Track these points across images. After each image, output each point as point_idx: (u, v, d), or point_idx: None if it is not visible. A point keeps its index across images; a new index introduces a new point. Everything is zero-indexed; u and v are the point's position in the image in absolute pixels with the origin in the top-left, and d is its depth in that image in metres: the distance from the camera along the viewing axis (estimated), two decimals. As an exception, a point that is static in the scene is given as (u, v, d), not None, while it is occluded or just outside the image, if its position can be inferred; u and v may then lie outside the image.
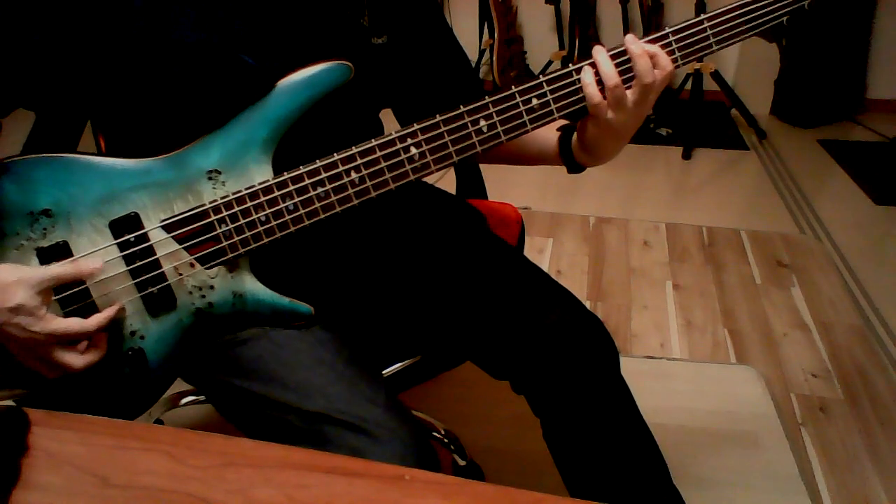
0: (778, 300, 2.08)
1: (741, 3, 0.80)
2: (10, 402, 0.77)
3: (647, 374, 1.75)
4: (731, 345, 1.88)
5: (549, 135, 0.92)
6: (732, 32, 0.80)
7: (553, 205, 2.63)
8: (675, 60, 0.79)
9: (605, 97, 0.79)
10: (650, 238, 2.45)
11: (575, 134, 0.88)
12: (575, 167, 0.91)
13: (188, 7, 0.78)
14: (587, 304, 0.95)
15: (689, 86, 3.34)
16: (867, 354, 1.84)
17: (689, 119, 3.29)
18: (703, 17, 0.79)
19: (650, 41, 0.79)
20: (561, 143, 0.91)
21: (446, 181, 1.03)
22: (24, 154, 0.76)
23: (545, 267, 2.24)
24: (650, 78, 0.78)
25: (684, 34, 0.79)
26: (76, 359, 0.73)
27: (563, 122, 0.89)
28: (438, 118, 0.78)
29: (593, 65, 0.79)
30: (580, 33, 3.56)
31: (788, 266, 2.27)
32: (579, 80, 0.79)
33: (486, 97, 0.79)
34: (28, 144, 0.98)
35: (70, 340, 0.73)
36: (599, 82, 0.79)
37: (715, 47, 0.80)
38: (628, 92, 0.79)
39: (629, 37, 0.78)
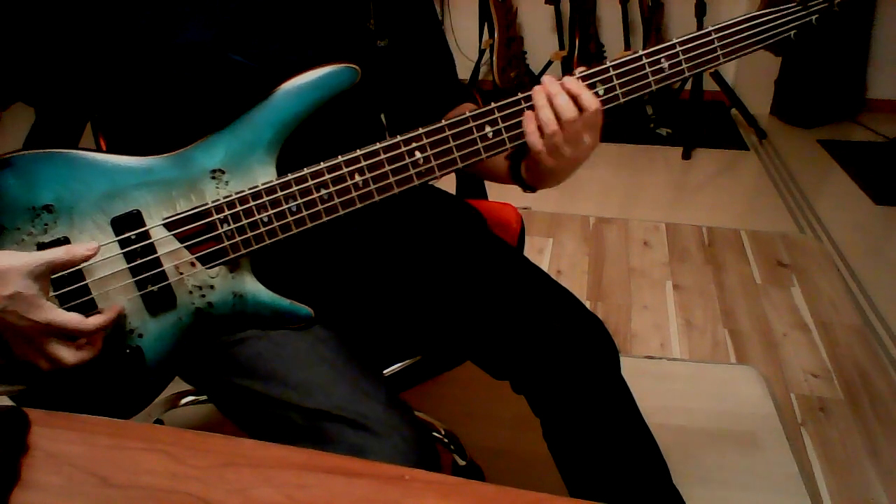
0: (778, 300, 2.08)
1: (749, 16, 0.80)
2: (9, 402, 0.77)
3: (647, 374, 1.75)
4: (731, 345, 1.88)
5: (499, 160, 0.91)
6: (740, 46, 0.80)
7: (553, 205, 2.63)
8: (681, 72, 0.80)
9: (544, 144, 0.78)
10: (650, 238, 2.45)
11: (522, 163, 0.88)
12: (530, 188, 0.91)
13: (193, 10, 0.78)
14: (587, 304, 0.95)
15: (689, 86, 3.34)
16: (867, 354, 1.84)
17: (689, 119, 3.29)
18: (710, 29, 0.80)
19: (653, 52, 0.79)
20: (511, 170, 0.90)
21: (446, 181, 1.02)
22: (26, 149, 0.76)
23: (545, 267, 2.24)
24: (570, 114, 0.76)
25: (692, 45, 0.80)
26: (70, 354, 0.72)
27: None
28: (443, 123, 0.79)
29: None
30: (580, 33, 3.55)
31: (788, 266, 2.27)
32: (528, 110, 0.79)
33: (493, 103, 0.79)
34: (28, 141, 0.98)
35: (66, 335, 0.72)
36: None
37: (722, 59, 0.81)
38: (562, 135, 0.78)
39: (546, 77, 0.78)
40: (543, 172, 0.84)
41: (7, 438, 0.62)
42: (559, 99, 0.76)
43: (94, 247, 0.73)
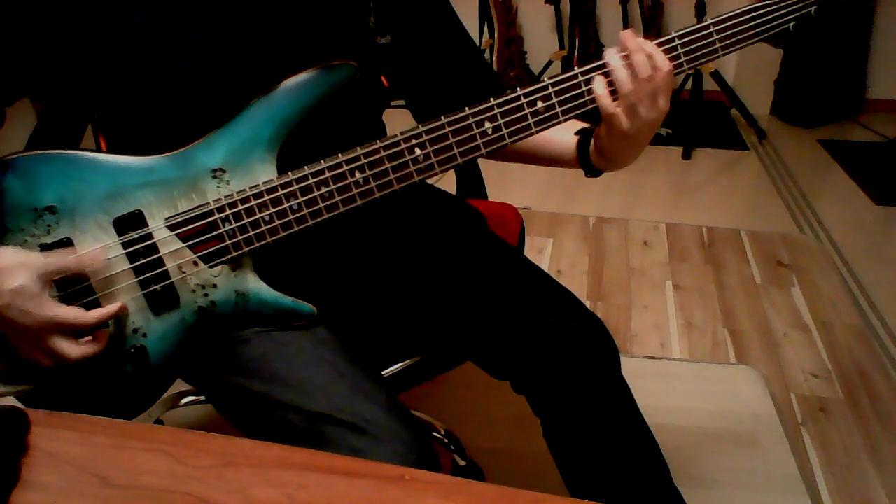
0: (778, 300, 2.08)
1: (747, 8, 0.79)
2: (10, 402, 0.77)
3: (647, 374, 1.75)
4: (731, 345, 1.88)
5: (566, 139, 0.91)
6: (739, 38, 0.80)
7: (553, 205, 2.63)
8: (680, 65, 0.79)
9: (619, 105, 0.78)
10: (650, 238, 2.45)
11: (593, 140, 0.88)
12: (593, 171, 0.91)
13: (194, 9, 0.78)
14: (587, 304, 0.95)
15: (689, 86, 3.34)
16: (867, 354, 1.84)
17: (689, 119, 3.29)
18: (709, 22, 0.79)
19: (655, 44, 0.79)
20: (579, 149, 0.90)
21: (446, 181, 1.03)
22: (28, 151, 0.76)
23: (545, 267, 2.24)
24: (646, 72, 0.77)
25: (690, 39, 0.79)
26: (72, 348, 0.72)
27: (580, 124, 0.88)
28: (443, 120, 0.78)
29: (602, 70, 0.78)
30: (580, 33, 3.56)
31: (788, 266, 2.27)
32: (584, 83, 0.79)
33: (491, 99, 0.79)
34: (31, 142, 0.98)
35: (68, 330, 0.72)
36: (612, 91, 0.78)
37: (721, 53, 0.80)
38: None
39: (626, 32, 0.77)
40: (617, 142, 0.83)
41: (7, 438, 0.62)
42: (639, 56, 0.76)
43: (102, 259, 0.75)
